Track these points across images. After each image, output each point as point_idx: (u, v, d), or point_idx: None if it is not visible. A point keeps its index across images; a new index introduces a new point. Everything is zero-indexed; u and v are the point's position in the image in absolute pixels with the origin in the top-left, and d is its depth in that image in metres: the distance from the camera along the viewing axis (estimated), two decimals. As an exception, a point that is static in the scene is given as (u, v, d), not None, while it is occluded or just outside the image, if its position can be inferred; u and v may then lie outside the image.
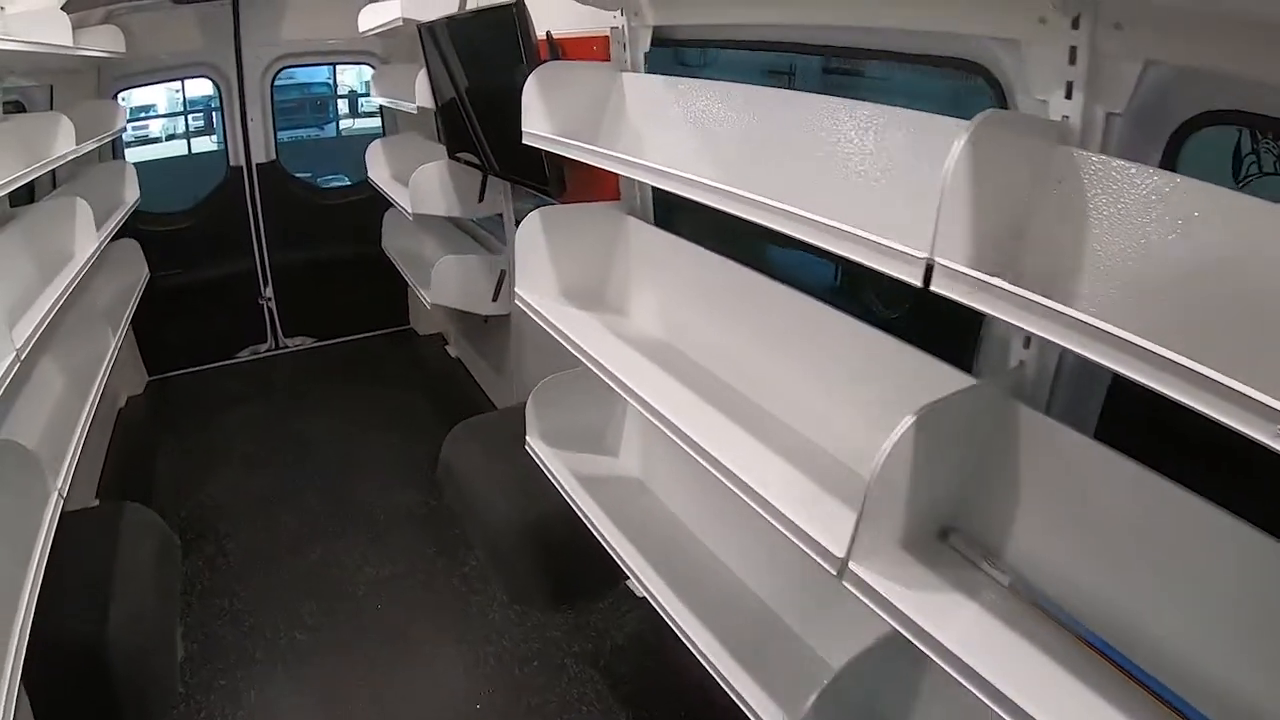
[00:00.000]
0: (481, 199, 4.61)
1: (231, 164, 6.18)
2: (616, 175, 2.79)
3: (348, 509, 4.43)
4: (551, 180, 3.32)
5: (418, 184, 4.60)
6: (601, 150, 2.44)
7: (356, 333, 6.77)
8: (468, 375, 5.81)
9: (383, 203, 5.40)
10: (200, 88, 6.93)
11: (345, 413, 5.54)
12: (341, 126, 13.02)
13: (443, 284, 4.68)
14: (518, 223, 3.10)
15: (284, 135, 11.87)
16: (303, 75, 11.10)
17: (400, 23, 4.16)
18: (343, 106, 12.79)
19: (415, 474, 4.72)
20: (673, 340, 2.72)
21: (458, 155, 4.48)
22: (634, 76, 2.87)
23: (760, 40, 2.56)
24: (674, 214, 3.00)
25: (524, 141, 2.81)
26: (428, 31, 4.04)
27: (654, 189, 2.93)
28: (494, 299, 4.81)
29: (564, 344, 2.63)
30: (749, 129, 2.24)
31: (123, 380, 5.35)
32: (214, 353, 6.26)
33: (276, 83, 6.13)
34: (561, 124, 2.82)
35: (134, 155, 9.94)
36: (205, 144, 8.17)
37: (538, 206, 2.97)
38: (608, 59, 3.00)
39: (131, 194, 4.83)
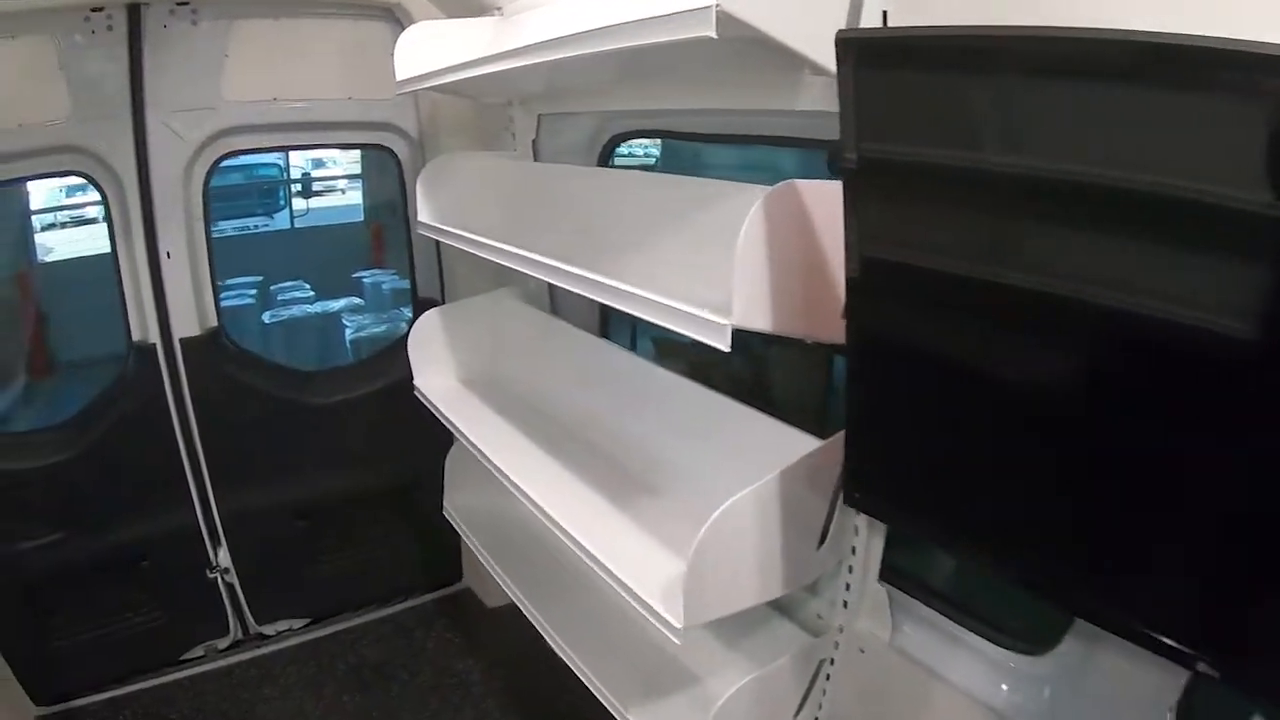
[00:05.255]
0: (823, 542, 1.96)
1: (135, 340, 3.35)
2: None
3: None
4: None
5: (713, 557, 1.75)
6: None
7: (377, 605, 4.22)
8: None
9: (419, 408, 3.17)
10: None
11: None
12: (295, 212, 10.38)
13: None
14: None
15: (220, 227, 9.15)
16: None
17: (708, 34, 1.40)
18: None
19: None
20: None
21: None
22: None
23: None
24: None
25: None
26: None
27: None
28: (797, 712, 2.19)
29: None
30: None
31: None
32: (145, 658, 3.75)
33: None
34: None
35: (67, 245, 7.58)
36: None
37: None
38: None
39: None
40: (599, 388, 2.81)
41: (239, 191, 9.68)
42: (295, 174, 10.49)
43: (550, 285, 2.99)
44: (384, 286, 7.90)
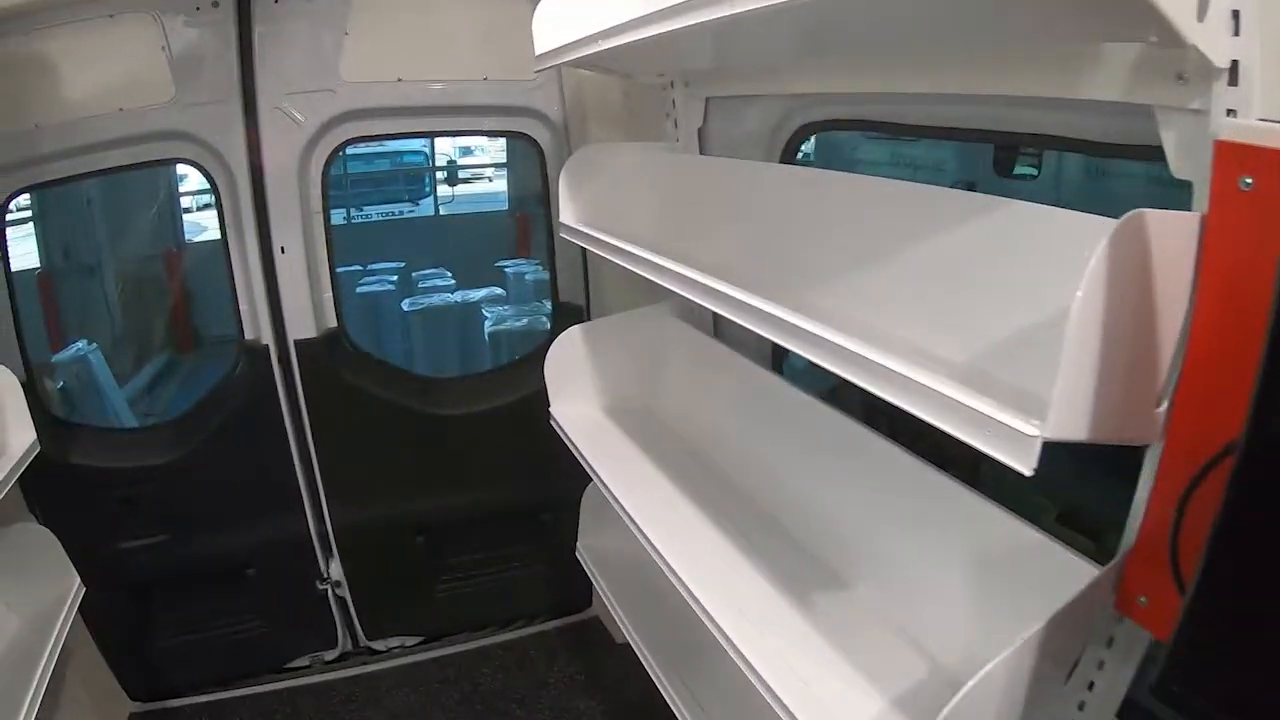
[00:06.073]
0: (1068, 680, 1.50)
1: (247, 339, 3.14)
2: None
3: None
4: None
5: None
6: None
7: (496, 629, 3.90)
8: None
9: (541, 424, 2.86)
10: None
11: None
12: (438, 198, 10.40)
13: None
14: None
15: (365, 213, 9.21)
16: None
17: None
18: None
19: None
20: None
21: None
22: None
23: None
24: None
25: None
26: None
27: None
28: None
29: None
30: None
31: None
32: (247, 664, 3.60)
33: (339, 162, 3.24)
34: None
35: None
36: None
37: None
38: None
39: (19, 436, 2.48)
40: (770, 437, 2.33)
41: (385, 177, 9.71)
42: (441, 161, 10.48)
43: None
44: (526, 277, 7.69)
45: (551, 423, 2.79)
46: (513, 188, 9.16)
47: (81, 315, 6.78)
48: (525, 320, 6.63)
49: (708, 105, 2.62)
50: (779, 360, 2.60)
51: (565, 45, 2.04)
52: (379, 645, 3.72)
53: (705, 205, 2.33)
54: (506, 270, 7.91)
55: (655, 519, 2.13)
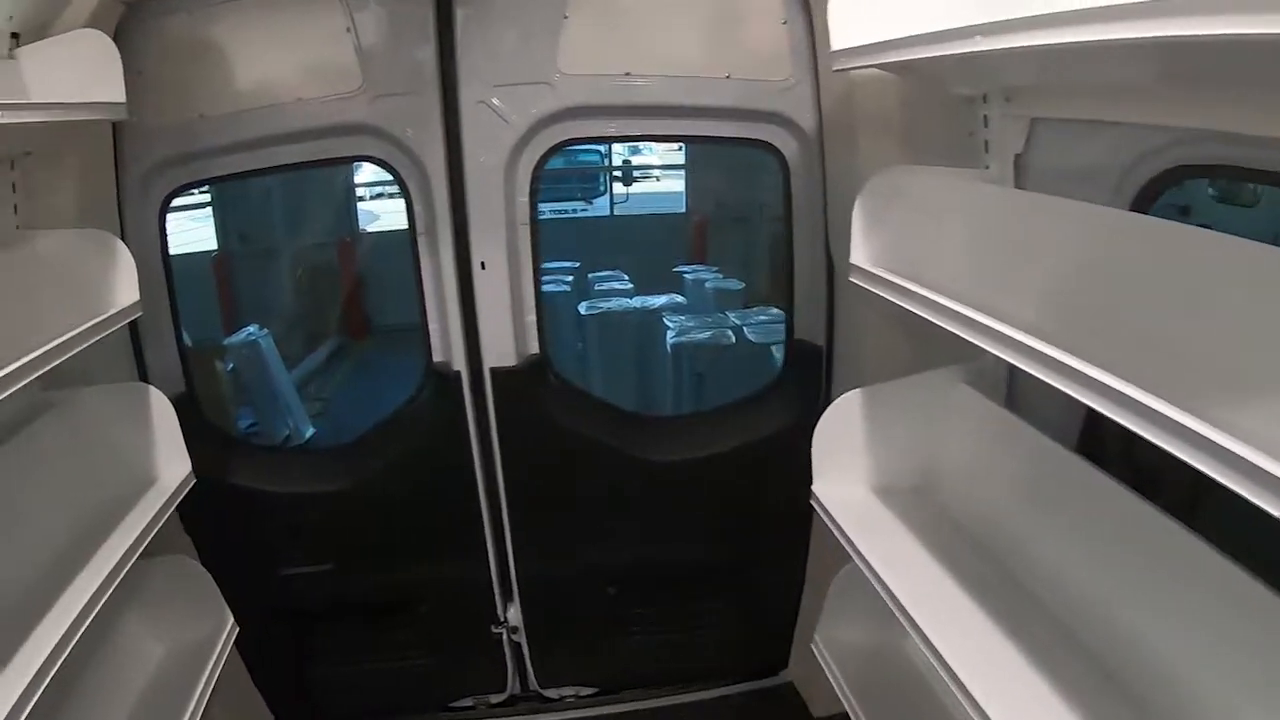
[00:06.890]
0: None
1: (436, 363, 2.89)
2: None
3: None
4: None
5: None
6: None
7: (679, 687, 3.56)
8: None
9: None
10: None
11: None
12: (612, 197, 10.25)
13: None
14: None
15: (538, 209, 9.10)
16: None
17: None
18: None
19: None
20: None
21: None
22: None
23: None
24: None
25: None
26: None
27: None
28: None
29: None
30: None
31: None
32: (408, 699, 3.47)
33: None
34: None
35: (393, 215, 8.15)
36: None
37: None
38: None
39: (173, 467, 2.35)
40: (1076, 534, 1.87)
41: (559, 174, 9.65)
42: (615, 160, 10.38)
43: (1011, 369, 2.01)
44: (706, 284, 7.31)
45: (812, 502, 2.40)
46: (691, 190, 8.84)
47: (255, 298, 6.97)
48: (709, 333, 6.22)
49: (1032, 127, 2.10)
50: (1089, 442, 2.07)
51: (883, 43, 1.58)
52: (551, 693, 3.50)
53: (1033, 256, 1.78)
54: (685, 276, 7.58)
55: (944, 627, 1.76)
